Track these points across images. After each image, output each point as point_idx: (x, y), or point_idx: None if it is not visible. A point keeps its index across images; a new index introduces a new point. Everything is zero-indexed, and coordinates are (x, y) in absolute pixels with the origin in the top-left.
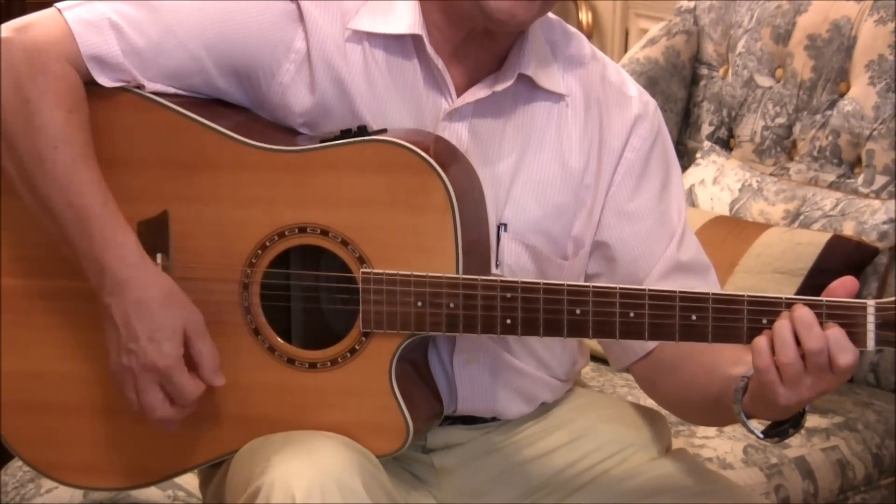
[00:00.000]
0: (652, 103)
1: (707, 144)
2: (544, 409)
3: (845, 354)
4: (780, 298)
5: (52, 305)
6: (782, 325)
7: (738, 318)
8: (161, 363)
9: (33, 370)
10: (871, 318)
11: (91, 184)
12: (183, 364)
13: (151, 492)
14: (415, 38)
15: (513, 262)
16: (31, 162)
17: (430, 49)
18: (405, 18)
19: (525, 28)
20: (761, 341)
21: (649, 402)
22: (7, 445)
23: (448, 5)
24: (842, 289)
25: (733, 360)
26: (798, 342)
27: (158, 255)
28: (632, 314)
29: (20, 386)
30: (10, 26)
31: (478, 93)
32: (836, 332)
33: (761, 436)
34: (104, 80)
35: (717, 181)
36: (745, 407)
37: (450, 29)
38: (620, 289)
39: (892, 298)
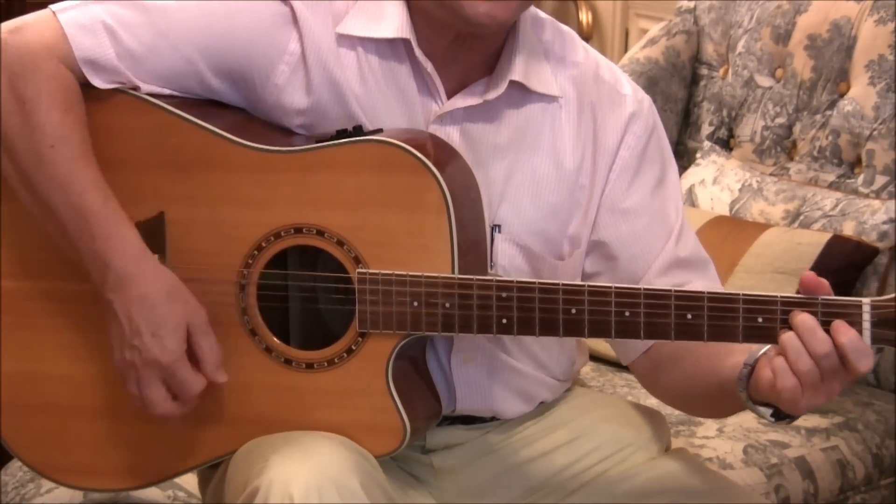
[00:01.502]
0: (646, 100)
1: (707, 144)
2: (543, 408)
3: (865, 359)
4: (776, 297)
5: (51, 307)
6: (789, 336)
7: (734, 317)
8: (164, 359)
9: (33, 371)
10: (866, 317)
11: (90, 182)
12: (186, 360)
13: (151, 492)
14: (404, 42)
15: (506, 264)
16: (30, 162)
17: (418, 53)
18: (393, 22)
19: (507, 26)
20: (782, 363)
21: (649, 402)
22: (6, 447)
23: (430, 15)
24: (815, 281)
25: (733, 349)
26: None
27: (155, 257)
28: (627, 313)
29: (20, 387)
30: (4, 28)
31: (468, 99)
32: (851, 337)
33: (772, 419)
34: (99, 82)
35: (717, 181)
36: (750, 393)
37: (435, 35)
38: (616, 288)
39: (888, 297)
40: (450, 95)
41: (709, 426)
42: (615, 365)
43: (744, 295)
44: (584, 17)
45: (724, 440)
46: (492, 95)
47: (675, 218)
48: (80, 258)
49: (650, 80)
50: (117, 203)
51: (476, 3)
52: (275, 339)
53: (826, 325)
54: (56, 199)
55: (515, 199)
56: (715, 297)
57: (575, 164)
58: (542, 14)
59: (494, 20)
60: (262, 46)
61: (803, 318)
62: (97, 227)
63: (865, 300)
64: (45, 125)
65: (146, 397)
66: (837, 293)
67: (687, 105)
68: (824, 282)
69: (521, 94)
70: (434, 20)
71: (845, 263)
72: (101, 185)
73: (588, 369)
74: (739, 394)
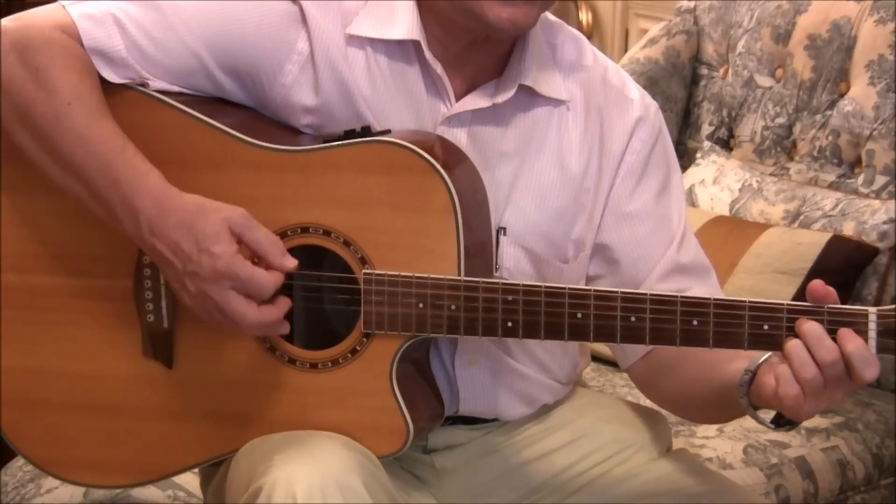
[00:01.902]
0: (653, 106)
1: (707, 144)
2: (545, 409)
3: (871, 369)
4: (782, 304)
5: (53, 302)
6: (795, 345)
7: (740, 324)
8: (219, 265)
9: (35, 367)
10: (872, 326)
11: (110, 132)
12: (242, 257)
13: (151, 491)
14: (414, 43)
15: (512, 266)
16: (49, 123)
17: (428, 55)
18: (403, 24)
19: (527, 31)
20: (785, 371)
21: (650, 402)
22: (8, 442)
23: (446, 19)
24: (822, 288)
25: (733, 355)
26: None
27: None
28: (633, 318)
29: (22, 383)
30: (11, 18)
31: (477, 101)
32: (858, 346)
33: (772, 426)
34: (109, 75)
35: (717, 181)
36: (751, 400)
37: (449, 39)
38: (622, 293)
39: (894, 306)
40: (458, 97)
41: (709, 426)
42: (615, 365)
43: (750, 302)
44: (584, 17)
45: (724, 440)
46: (501, 99)
47: (678, 224)
48: (113, 213)
49: (650, 80)
50: (135, 149)
51: (499, 9)
52: (279, 338)
53: (832, 334)
54: (79, 154)
55: (521, 203)
56: (721, 304)
57: (581, 168)
58: (553, 17)
59: (516, 25)
60: (270, 45)
61: (811, 327)
62: (120, 175)
63: (872, 310)
64: (62, 85)
65: (231, 313)
66: (837, 293)
67: (687, 105)
68: (832, 290)
69: (530, 97)
70: (450, 23)
71: (845, 263)
72: (119, 135)
73: (588, 370)
74: (740, 400)
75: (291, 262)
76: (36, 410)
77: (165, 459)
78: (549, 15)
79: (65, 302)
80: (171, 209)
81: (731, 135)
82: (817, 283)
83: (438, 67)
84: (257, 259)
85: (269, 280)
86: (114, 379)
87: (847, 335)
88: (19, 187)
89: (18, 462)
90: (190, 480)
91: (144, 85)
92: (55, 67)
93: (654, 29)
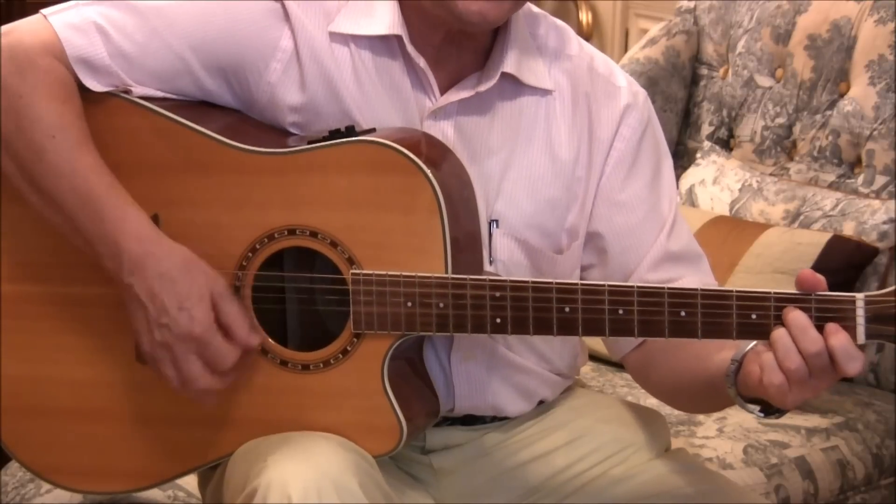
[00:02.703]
0: (641, 93)
1: (707, 144)
2: (543, 409)
3: (854, 363)
4: (769, 293)
5: (51, 310)
6: (780, 334)
7: (728, 314)
8: (196, 330)
9: (30, 375)
10: (860, 312)
11: (94, 167)
12: (216, 329)
13: (151, 492)
14: (397, 39)
15: (506, 259)
16: (31, 155)
17: (410, 49)
18: (384, 19)
19: (497, 25)
20: (770, 359)
21: (649, 403)
22: (6, 449)
23: (422, 11)
24: (813, 278)
25: (722, 344)
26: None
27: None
28: (621, 311)
29: (17, 391)
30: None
31: (460, 93)
32: (842, 340)
33: (761, 415)
34: (92, 84)
35: (717, 181)
36: (739, 389)
37: (428, 31)
38: (609, 286)
39: (882, 291)
40: (443, 92)
41: (709, 426)
42: (615, 365)
43: (737, 291)
44: (584, 17)
45: (724, 440)
46: (483, 87)
47: (668, 211)
48: (93, 247)
49: (650, 80)
50: (122, 187)
51: (469, 3)
52: (270, 340)
53: (820, 321)
54: (61, 189)
55: (512, 194)
56: (708, 294)
57: (571, 157)
58: (536, 9)
59: (485, 19)
60: (254, 43)
61: (795, 316)
62: (106, 211)
63: (859, 295)
64: (44, 116)
65: (185, 374)
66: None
67: (687, 105)
68: (821, 278)
69: (515, 87)
70: (428, 17)
71: (845, 263)
72: (104, 170)
73: (588, 369)
74: (728, 389)
75: (255, 341)
76: (32, 418)
77: (161, 465)
78: (533, 7)
79: (59, 310)
80: (156, 256)
81: (731, 135)
82: (806, 272)
83: (421, 61)
84: (224, 329)
85: (232, 356)
86: (109, 385)
87: (831, 328)
88: (13, 196)
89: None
90: (189, 481)
91: (128, 92)
92: (39, 95)
93: (654, 29)
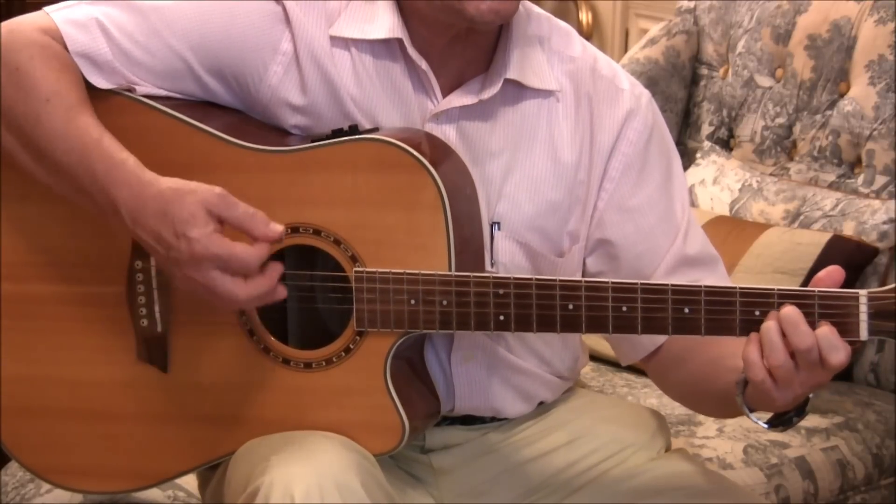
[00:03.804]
0: (645, 96)
1: (707, 144)
2: (543, 409)
3: (836, 353)
4: (773, 290)
5: (47, 310)
6: (769, 328)
7: (731, 311)
8: (197, 248)
9: (30, 375)
10: (863, 308)
11: (86, 126)
12: (219, 237)
13: (151, 492)
14: (398, 42)
15: (507, 261)
16: (30, 122)
17: (412, 52)
18: (385, 23)
19: (510, 19)
20: (752, 354)
21: (649, 403)
22: (6, 450)
23: (427, 17)
24: (829, 279)
25: (738, 352)
26: (786, 341)
27: (153, 259)
28: (624, 308)
29: (17, 391)
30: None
31: (464, 98)
32: (825, 331)
33: (766, 426)
34: (97, 81)
35: (718, 181)
36: (747, 399)
37: (433, 34)
38: (613, 283)
39: (885, 287)
40: (445, 93)
41: (709, 426)
42: (615, 365)
43: (741, 288)
44: (584, 17)
45: (724, 440)
46: (487, 94)
47: (682, 215)
48: (96, 205)
49: (650, 80)
50: (112, 137)
51: (478, 3)
52: (273, 338)
53: (823, 318)
54: (59, 151)
55: (514, 196)
56: (712, 291)
57: (573, 159)
58: (540, 10)
59: (499, 15)
60: (254, 46)
61: (787, 312)
62: (96, 164)
63: (862, 292)
64: (40, 83)
65: (223, 294)
66: None
67: (687, 105)
68: (835, 273)
69: (517, 90)
70: (432, 21)
71: (845, 263)
72: (96, 126)
73: (588, 369)
74: (736, 398)
75: (277, 229)
76: (32, 418)
77: (162, 464)
78: (535, 7)
79: (58, 309)
80: (147, 197)
81: (731, 135)
82: (820, 274)
83: (423, 63)
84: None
85: (252, 254)
86: (109, 385)
87: (819, 322)
88: (12, 196)
89: None
90: (189, 481)
91: (132, 90)
92: (35, 65)
93: (654, 29)
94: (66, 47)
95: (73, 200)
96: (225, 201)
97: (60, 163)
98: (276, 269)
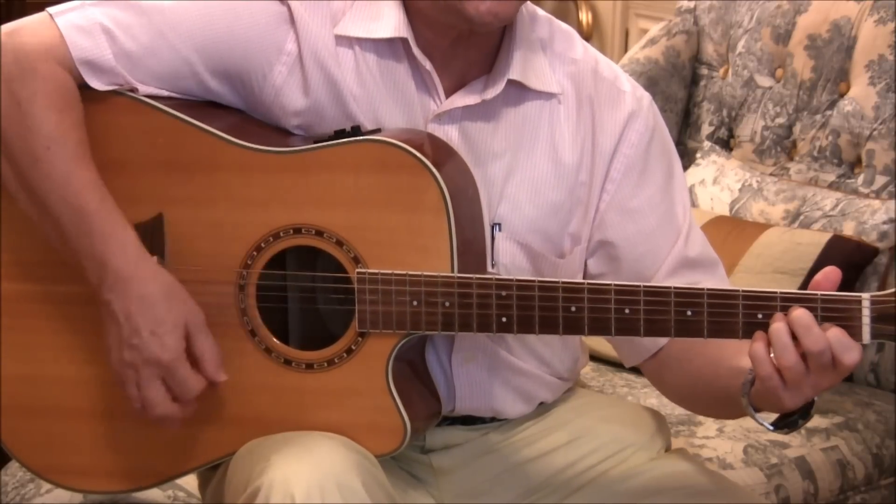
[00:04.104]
0: (646, 98)
1: (707, 144)
2: (543, 409)
3: (850, 353)
4: (775, 293)
5: (51, 309)
6: (779, 329)
7: (734, 313)
8: (164, 357)
9: (32, 374)
10: (866, 312)
11: (87, 182)
12: (185, 358)
13: (152, 492)
14: (402, 41)
15: (508, 262)
16: (27, 163)
17: (416, 52)
18: (390, 22)
19: (509, 21)
20: (759, 350)
21: (649, 403)
22: (6, 449)
23: (430, 17)
24: (826, 281)
25: (738, 353)
26: (797, 343)
27: (154, 258)
28: (627, 310)
29: (19, 390)
30: (6, 31)
31: (466, 99)
32: (837, 333)
33: (771, 428)
34: (97, 84)
35: (717, 181)
36: (752, 400)
37: (436, 35)
38: (615, 285)
39: (888, 291)
40: (448, 93)
41: (709, 426)
42: (615, 365)
43: (743, 291)
44: (584, 17)
45: (724, 440)
46: (490, 95)
47: (683, 217)
48: (78, 258)
49: (650, 80)
50: (114, 203)
51: (477, 4)
52: (274, 339)
53: (826, 321)
54: (52, 199)
55: (515, 198)
56: (714, 294)
57: (574, 161)
58: (541, 11)
59: (497, 17)
60: (258, 46)
61: (799, 315)
62: (95, 227)
63: (865, 295)
64: (41, 126)
65: (146, 397)
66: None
67: (687, 105)
68: (832, 274)
69: (520, 92)
70: (434, 22)
71: (845, 263)
72: (98, 186)
73: (588, 369)
74: (741, 399)
75: (222, 377)
76: (32, 417)
77: (163, 464)
78: (538, 10)
79: (59, 309)
80: (140, 278)
81: (731, 135)
82: (818, 276)
83: (427, 63)
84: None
85: (197, 387)
86: (109, 384)
87: (827, 325)
88: (11, 196)
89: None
90: (190, 481)
91: (133, 91)
92: (37, 104)
93: (654, 29)
94: (69, 53)
95: (49, 239)
96: (203, 328)
97: (52, 209)
98: (191, 408)
